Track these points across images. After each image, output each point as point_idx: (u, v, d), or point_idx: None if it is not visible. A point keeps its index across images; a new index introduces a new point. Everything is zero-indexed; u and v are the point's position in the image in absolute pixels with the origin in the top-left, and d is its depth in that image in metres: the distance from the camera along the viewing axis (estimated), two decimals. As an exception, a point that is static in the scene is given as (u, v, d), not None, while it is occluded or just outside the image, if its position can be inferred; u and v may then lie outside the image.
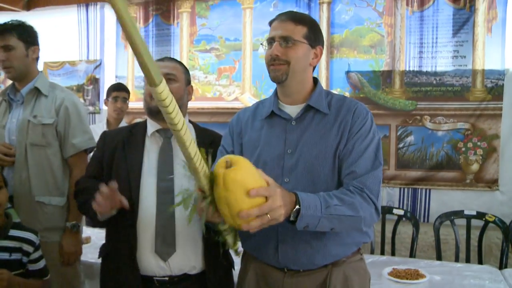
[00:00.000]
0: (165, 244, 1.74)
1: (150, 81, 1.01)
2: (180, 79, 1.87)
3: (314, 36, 1.59)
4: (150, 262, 1.76)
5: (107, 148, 1.88)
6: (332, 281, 1.56)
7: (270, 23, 1.63)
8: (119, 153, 1.85)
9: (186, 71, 1.94)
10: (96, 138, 2.08)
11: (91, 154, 2.22)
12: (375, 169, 1.53)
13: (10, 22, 2.32)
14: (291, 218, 1.35)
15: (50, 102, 2.35)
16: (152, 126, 1.88)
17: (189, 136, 1.14)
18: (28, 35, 2.35)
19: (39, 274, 2.01)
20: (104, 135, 1.96)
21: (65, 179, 2.37)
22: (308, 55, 1.59)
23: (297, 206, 1.33)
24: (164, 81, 1.03)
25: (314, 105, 1.59)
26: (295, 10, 3.77)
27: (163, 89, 1.03)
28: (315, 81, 1.67)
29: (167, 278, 1.77)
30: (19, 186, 2.28)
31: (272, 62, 1.57)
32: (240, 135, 1.70)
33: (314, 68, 1.66)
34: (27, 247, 1.95)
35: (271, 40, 1.59)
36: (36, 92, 2.36)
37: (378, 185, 1.53)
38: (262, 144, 1.62)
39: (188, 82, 1.93)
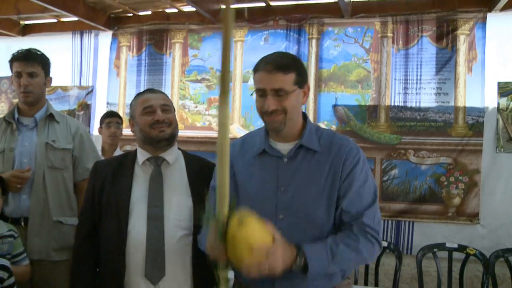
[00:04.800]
0: (155, 268, 1.78)
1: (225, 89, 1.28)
2: (172, 109, 1.96)
3: (302, 78, 1.60)
4: (140, 286, 1.79)
5: (98, 179, 1.93)
6: None
7: (255, 70, 1.60)
8: (108, 182, 1.90)
9: (170, 100, 2.02)
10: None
11: None
12: (372, 206, 1.57)
13: (36, 51, 2.45)
14: (294, 268, 1.45)
15: (65, 129, 2.49)
16: (142, 155, 1.93)
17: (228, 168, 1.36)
18: (48, 66, 2.50)
19: None
20: (95, 165, 2.01)
21: (76, 200, 2.48)
22: (300, 97, 1.61)
23: (298, 260, 1.45)
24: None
25: (306, 144, 1.62)
26: (284, 45, 3.92)
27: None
28: (304, 116, 1.70)
29: None
30: (37, 206, 2.35)
31: (268, 115, 1.57)
32: (233, 167, 1.71)
33: None
34: (2, 273, 1.89)
35: (261, 91, 1.58)
36: (49, 118, 2.47)
37: (377, 221, 1.58)
38: (255, 181, 1.65)
39: (174, 109, 2.01)
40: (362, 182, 1.58)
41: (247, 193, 1.67)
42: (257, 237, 1.36)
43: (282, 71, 1.54)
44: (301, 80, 1.59)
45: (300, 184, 1.60)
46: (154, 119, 1.86)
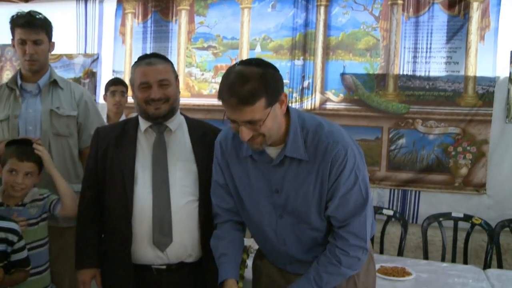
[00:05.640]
0: (163, 235, 1.79)
1: None
2: (172, 80, 1.88)
3: (273, 96, 1.45)
4: (147, 253, 1.81)
5: (101, 145, 1.93)
6: None
7: (220, 96, 1.47)
8: (112, 149, 1.89)
9: (172, 65, 1.93)
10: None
11: None
12: (359, 212, 1.55)
13: (40, 17, 2.38)
14: None
15: (69, 95, 2.45)
16: (144, 123, 1.91)
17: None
18: (51, 30, 2.43)
19: (23, 263, 1.94)
20: (97, 132, 2.00)
21: (82, 167, 2.45)
22: (276, 113, 1.49)
23: None
24: None
25: (291, 154, 1.55)
26: (292, 12, 3.84)
27: None
28: (288, 114, 1.58)
29: (164, 267, 1.83)
30: (43, 174, 2.33)
31: (248, 141, 1.50)
32: (229, 168, 1.72)
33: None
34: (12, 237, 1.89)
35: (233, 122, 1.48)
36: (52, 84, 2.44)
37: (364, 228, 1.57)
38: (251, 183, 1.65)
39: (176, 76, 1.94)
40: (349, 187, 1.54)
41: (247, 193, 1.68)
42: None
43: (248, 104, 1.40)
44: (273, 99, 1.45)
45: (290, 188, 1.59)
46: (149, 96, 1.82)
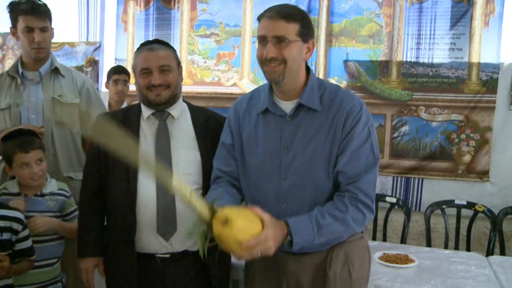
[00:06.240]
0: (167, 224, 1.80)
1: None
2: (174, 66, 1.88)
3: (306, 31, 1.55)
4: (151, 242, 1.82)
5: None
6: (333, 259, 1.64)
7: (259, 18, 1.58)
8: None
9: (174, 51, 1.94)
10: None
11: None
12: (369, 170, 1.55)
13: (41, 3, 2.37)
14: (284, 245, 1.46)
15: (71, 83, 2.45)
16: (147, 110, 1.91)
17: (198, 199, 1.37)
18: (51, 17, 2.43)
19: (27, 253, 1.95)
20: (98, 119, 1.99)
21: (84, 155, 2.46)
22: (302, 51, 1.56)
23: (289, 237, 1.45)
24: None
25: (306, 103, 1.58)
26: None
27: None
28: (308, 70, 1.65)
29: (168, 255, 1.83)
30: (47, 163, 2.34)
31: (267, 63, 1.54)
32: (239, 129, 1.73)
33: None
34: (17, 226, 1.90)
35: (262, 39, 1.54)
36: (54, 72, 2.43)
37: (373, 187, 1.57)
38: (259, 141, 1.65)
39: (178, 63, 1.94)
40: (361, 142, 1.55)
41: (253, 154, 1.67)
42: (244, 233, 1.35)
43: (285, 19, 1.51)
44: (305, 34, 1.55)
45: (301, 143, 1.58)
46: (150, 82, 1.82)
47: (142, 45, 1.91)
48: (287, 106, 1.62)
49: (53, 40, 2.48)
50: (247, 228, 1.36)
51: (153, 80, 1.81)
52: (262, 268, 1.73)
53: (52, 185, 2.17)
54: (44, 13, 2.36)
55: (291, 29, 1.51)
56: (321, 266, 1.64)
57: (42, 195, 2.12)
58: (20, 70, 2.40)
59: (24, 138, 2.10)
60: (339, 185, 1.58)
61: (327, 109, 1.58)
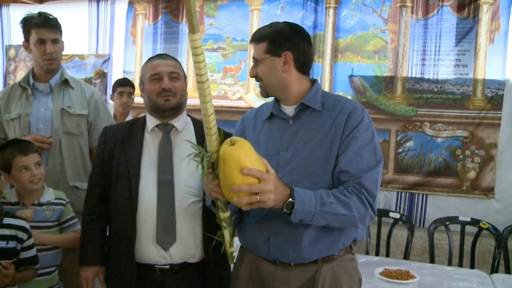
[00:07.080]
0: (166, 234, 1.81)
1: (192, 28, 1.26)
2: (181, 76, 1.94)
3: (275, 46, 1.62)
4: (151, 252, 1.83)
5: (108, 144, 1.96)
6: (321, 276, 1.60)
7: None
8: (118, 148, 1.92)
9: (180, 64, 2.01)
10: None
11: None
12: (372, 169, 1.55)
13: (53, 17, 2.47)
14: (284, 210, 1.45)
15: (80, 95, 2.51)
16: (151, 122, 1.94)
17: (210, 92, 1.39)
18: (62, 31, 2.51)
19: (32, 261, 1.97)
20: (105, 130, 2.03)
21: (91, 166, 2.48)
22: (275, 66, 1.63)
23: (290, 199, 1.43)
24: (199, 31, 1.27)
25: (307, 103, 1.64)
26: (301, 14, 3.86)
27: (199, 37, 1.29)
28: (313, 82, 1.71)
29: (167, 266, 1.84)
30: (54, 172, 2.40)
31: (257, 82, 1.71)
32: (243, 134, 1.77)
33: (306, 70, 1.68)
34: (22, 234, 1.93)
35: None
36: (64, 83, 2.49)
37: (376, 186, 1.56)
38: (261, 142, 1.69)
39: (185, 76, 2.00)
40: (364, 142, 1.56)
41: None
42: (248, 160, 1.36)
43: (255, 42, 1.67)
44: (273, 49, 1.63)
45: (300, 142, 1.62)
46: (161, 87, 1.86)
47: (150, 58, 1.98)
48: (291, 110, 1.68)
49: (63, 52, 2.55)
50: (252, 158, 1.38)
51: (164, 84, 1.86)
52: (249, 282, 1.72)
53: (49, 194, 2.20)
54: (55, 26, 2.45)
55: (259, 49, 1.65)
56: (308, 285, 1.62)
57: (40, 205, 2.15)
58: (31, 81, 2.48)
59: (21, 143, 2.16)
60: (341, 183, 1.57)
61: (329, 111, 1.63)
